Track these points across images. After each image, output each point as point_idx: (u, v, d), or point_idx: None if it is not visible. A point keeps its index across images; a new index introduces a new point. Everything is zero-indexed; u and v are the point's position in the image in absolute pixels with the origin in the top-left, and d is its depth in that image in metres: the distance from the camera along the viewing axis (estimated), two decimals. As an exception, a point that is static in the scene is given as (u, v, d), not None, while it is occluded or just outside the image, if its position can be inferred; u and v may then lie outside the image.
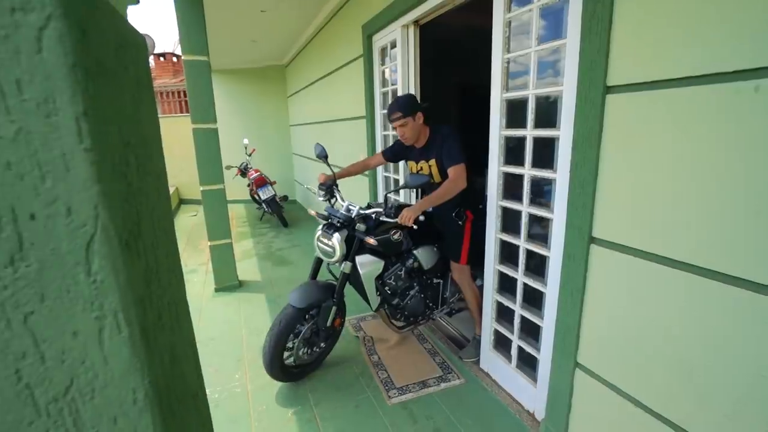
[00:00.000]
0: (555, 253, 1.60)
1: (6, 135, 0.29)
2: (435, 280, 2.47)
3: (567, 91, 1.43)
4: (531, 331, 1.88)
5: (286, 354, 2.08)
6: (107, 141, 0.34)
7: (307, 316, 2.12)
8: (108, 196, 0.33)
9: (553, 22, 1.52)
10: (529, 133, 1.67)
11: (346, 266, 2.11)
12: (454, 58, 4.93)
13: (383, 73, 3.10)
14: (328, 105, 4.61)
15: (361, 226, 2.08)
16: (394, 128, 2.15)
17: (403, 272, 2.28)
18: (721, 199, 1.01)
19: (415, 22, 2.57)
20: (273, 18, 4.31)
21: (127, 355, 0.35)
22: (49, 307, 0.32)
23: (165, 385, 0.40)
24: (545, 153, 1.62)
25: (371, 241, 2.05)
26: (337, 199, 2.28)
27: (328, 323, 2.13)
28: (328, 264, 2.23)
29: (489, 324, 2.15)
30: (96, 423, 0.36)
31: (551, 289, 1.64)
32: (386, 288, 2.24)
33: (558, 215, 1.55)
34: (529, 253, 1.81)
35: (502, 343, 2.13)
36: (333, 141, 4.41)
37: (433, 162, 2.17)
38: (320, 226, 2.17)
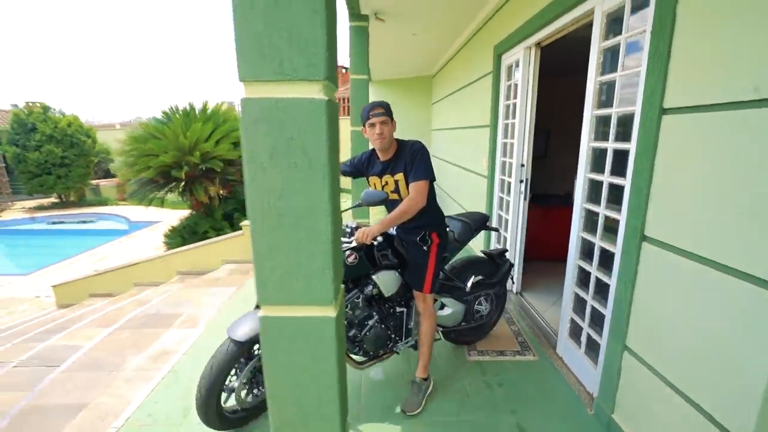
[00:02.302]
0: (618, 251, 1.85)
1: (289, 169, 0.99)
2: (398, 309, 2.21)
3: (638, 111, 1.69)
4: (598, 320, 2.11)
5: (224, 396, 1.84)
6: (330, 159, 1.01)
7: (248, 353, 1.87)
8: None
9: (635, 53, 1.78)
10: (610, 145, 1.94)
11: None
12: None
13: (508, 87, 3.50)
14: (461, 114, 5.16)
15: None
16: (371, 126, 1.94)
17: (360, 300, 2.06)
18: (755, 208, 1.17)
19: (537, 43, 2.92)
20: (422, 39, 5.10)
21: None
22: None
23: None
24: (620, 162, 1.87)
25: None
26: None
27: None
28: None
29: (567, 314, 2.41)
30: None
31: (614, 282, 1.89)
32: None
33: (623, 217, 1.81)
34: (602, 251, 2.05)
35: (575, 332, 2.37)
36: (462, 146, 4.95)
37: (400, 176, 1.98)
38: None
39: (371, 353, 2.14)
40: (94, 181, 15.34)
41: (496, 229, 3.17)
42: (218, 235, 5.95)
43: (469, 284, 2.42)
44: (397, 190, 2.02)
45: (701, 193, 1.38)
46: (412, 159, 1.92)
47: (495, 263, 2.63)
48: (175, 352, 2.96)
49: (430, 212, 2.04)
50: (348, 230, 1.99)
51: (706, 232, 1.36)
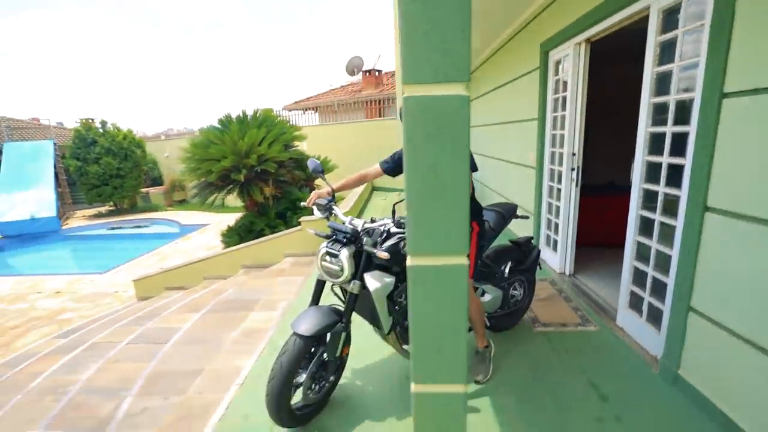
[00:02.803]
0: (680, 223, 2.06)
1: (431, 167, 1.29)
2: None
3: (697, 96, 1.91)
4: (659, 289, 2.31)
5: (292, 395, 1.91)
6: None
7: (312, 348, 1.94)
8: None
9: (691, 44, 1.99)
10: (669, 129, 2.15)
11: (354, 286, 1.93)
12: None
13: (556, 82, 3.71)
14: (503, 109, 5.37)
15: (368, 240, 1.94)
16: None
17: None
18: None
19: (587, 39, 3.13)
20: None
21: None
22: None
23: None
24: (677, 145, 2.08)
25: (383, 255, 1.81)
26: (336, 215, 2.17)
27: (338, 352, 1.97)
28: (332, 286, 2.10)
29: (626, 287, 2.62)
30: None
31: (675, 251, 2.10)
32: (396, 307, 2.04)
33: (684, 193, 2.02)
34: (662, 225, 2.26)
35: (635, 303, 2.57)
36: (507, 140, 5.17)
37: None
38: (323, 245, 2.03)
39: None
40: (143, 189, 16.41)
41: (527, 217, 3.25)
42: (273, 232, 6.41)
43: (506, 270, 2.60)
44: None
45: (761, 163, 1.59)
46: None
47: (522, 251, 2.76)
48: (264, 329, 3.36)
49: (470, 203, 2.25)
50: (402, 221, 2.07)
51: (761, 198, 1.56)
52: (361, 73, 14.21)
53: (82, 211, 16.03)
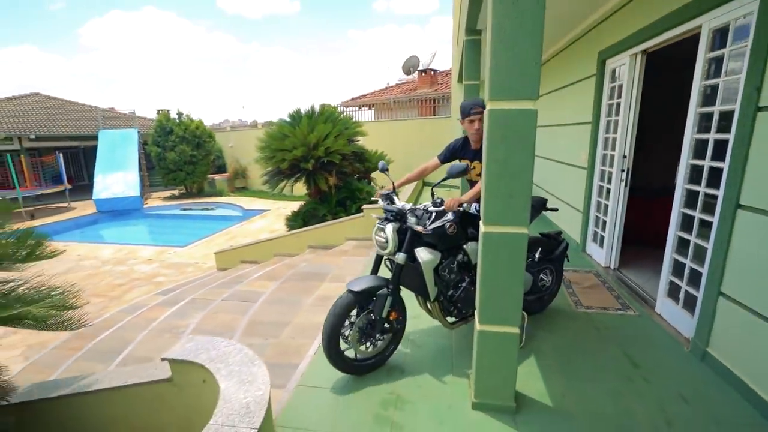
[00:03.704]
0: (716, 219, 2.35)
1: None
2: None
3: (737, 109, 2.19)
4: (695, 279, 2.59)
5: (345, 346, 2.27)
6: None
7: (365, 307, 2.30)
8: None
9: (737, 61, 2.27)
10: (712, 136, 2.44)
11: (399, 257, 2.29)
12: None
13: (611, 89, 3.96)
14: (558, 113, 5.61)
15: (412, 219, 2.31)
16: (470, 122, 2.47)
17: (455, 265, 2.48)
18: None
19: (644, 51, 3.39)
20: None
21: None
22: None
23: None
24: (718, 150, 2.36)
25: (419, 228, 2.23)
26: (394, 202, 2.51)
27: (384, 313, 2.29)
28: (385, 260, 2.47)
29: (666, 277, 2.90)
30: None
31: (710, 244, 2.39)
32: (441, 280, 2.43)
33: (720, 192, 2.31)
34: (701, 221, 2.54)
35: (672, 292, 2.86)
36: (559, 142, 5.43)
37: None
38: (377, 222, 2.40)
39: (463, 312, 2.58)
40: (210, 176, 17.98)
41: (556, 209, 3.34)
42: (334, 218, 7.08)
43: (537, 255, 2.89)
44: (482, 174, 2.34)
45: (786, 168, 1.88)
46: None
47: (551, 242, 3.04)
48: (336, 296, 3.95)
49: None
50: (438, 201, 2.37)
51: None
52: (416, 72, 14.66)
53: (157, 193, 17.89)
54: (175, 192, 17.58)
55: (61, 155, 15.49)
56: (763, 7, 1.99)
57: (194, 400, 1.97)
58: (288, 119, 7.91)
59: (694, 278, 2.61)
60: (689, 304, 2.68)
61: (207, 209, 14.92)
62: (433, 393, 2.23)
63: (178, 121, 15.93)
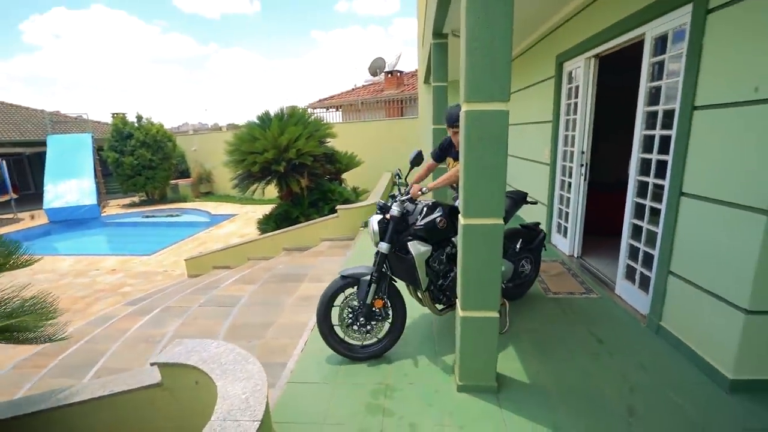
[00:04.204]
0: (664, 206, 2.62)
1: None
2: None
3: (677, 108, 2.47)
4: (648, 261, 2.87)
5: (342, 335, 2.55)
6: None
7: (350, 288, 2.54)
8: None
9: (676, 64, 2.55)
10: (657, 132, 2.72)
11: (382, 246, 2.47)
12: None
13: (569, 89, 4.26)
14: (522, 112, 5.92)
15: (395, 208, 2.49)
16: (455, 133, 2.77)
17: (444, 257, 2.65)
18: (758, 171, 1.98)
19: (596, 55, 3.68)
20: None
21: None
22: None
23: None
24: (663, 145, 2.64)
25: (395, 212, 2.47)
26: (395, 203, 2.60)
27: (368, 300, 2.48)
28: (376, 252, 2.55)
29: (623, 261, 3.19)
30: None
31: (660, 228, 2.66)
32: (431, 270, 2.61)
33: (666, 182, 2.58)
34: (651, 209, 2.82)
35: (629, 274, 3.14)
36: (523, 139, 5.73)
37: None
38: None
39: (452, 299, 2.72)
40: (173, 181, 17.31)
41: (535, 202, 3.52)
42: (307, 220, 7.08)
43: (518, 246, 3.13)
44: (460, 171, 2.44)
45: (720, 160, 2.15)
46: None
47: (530, 233, 3.24)
48: (317, 295, 3.98)
49: None
50: (404, 189, 2.67)
51: (725, 185, 2.13)
52: (383, 73, 14.82)
53: (116, 200, 17.02)
54: (135, 199, 16.79)
55: (3, 162, 14.41)
56: (695, 19, 2.26)
57: (188, 403, 1.98)
58: (257, 121, 7.82)
59: (648, 260, 2.89)
60: (644, 284, 2.96)
61: (172, 215, 14.37)
62: (420, 379, 2.36)
63: (137, 125, 15.23)
